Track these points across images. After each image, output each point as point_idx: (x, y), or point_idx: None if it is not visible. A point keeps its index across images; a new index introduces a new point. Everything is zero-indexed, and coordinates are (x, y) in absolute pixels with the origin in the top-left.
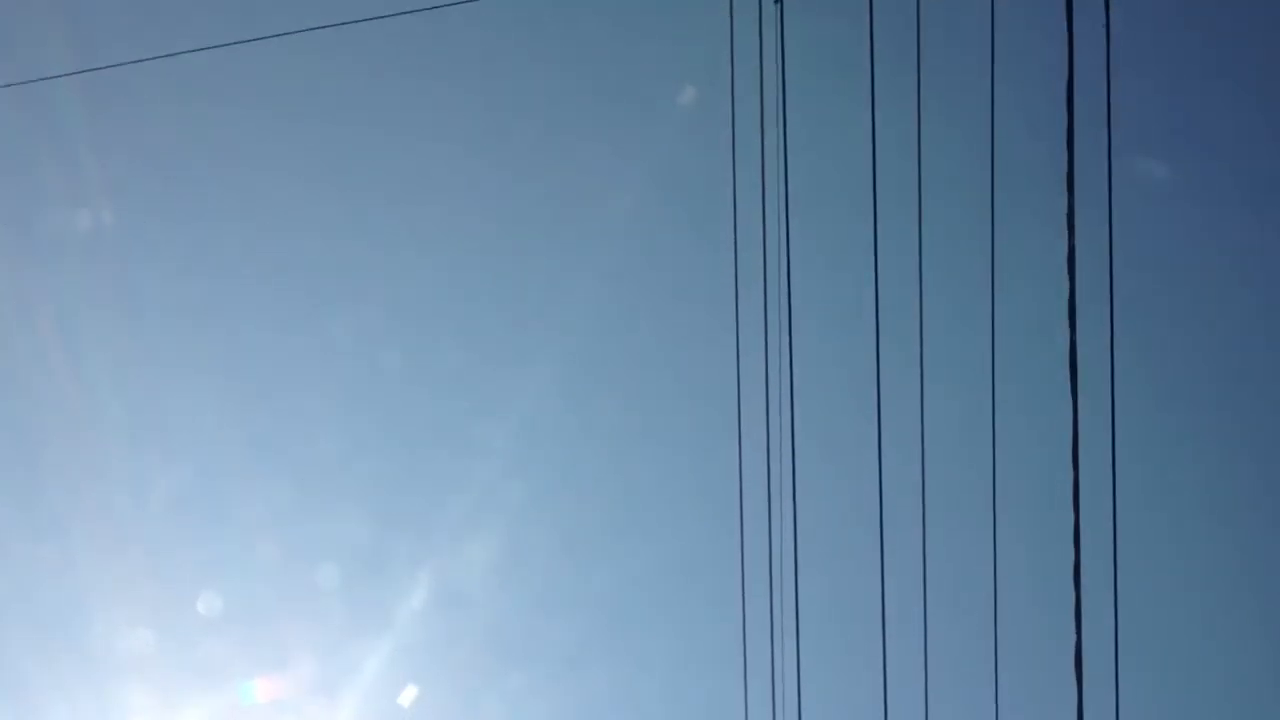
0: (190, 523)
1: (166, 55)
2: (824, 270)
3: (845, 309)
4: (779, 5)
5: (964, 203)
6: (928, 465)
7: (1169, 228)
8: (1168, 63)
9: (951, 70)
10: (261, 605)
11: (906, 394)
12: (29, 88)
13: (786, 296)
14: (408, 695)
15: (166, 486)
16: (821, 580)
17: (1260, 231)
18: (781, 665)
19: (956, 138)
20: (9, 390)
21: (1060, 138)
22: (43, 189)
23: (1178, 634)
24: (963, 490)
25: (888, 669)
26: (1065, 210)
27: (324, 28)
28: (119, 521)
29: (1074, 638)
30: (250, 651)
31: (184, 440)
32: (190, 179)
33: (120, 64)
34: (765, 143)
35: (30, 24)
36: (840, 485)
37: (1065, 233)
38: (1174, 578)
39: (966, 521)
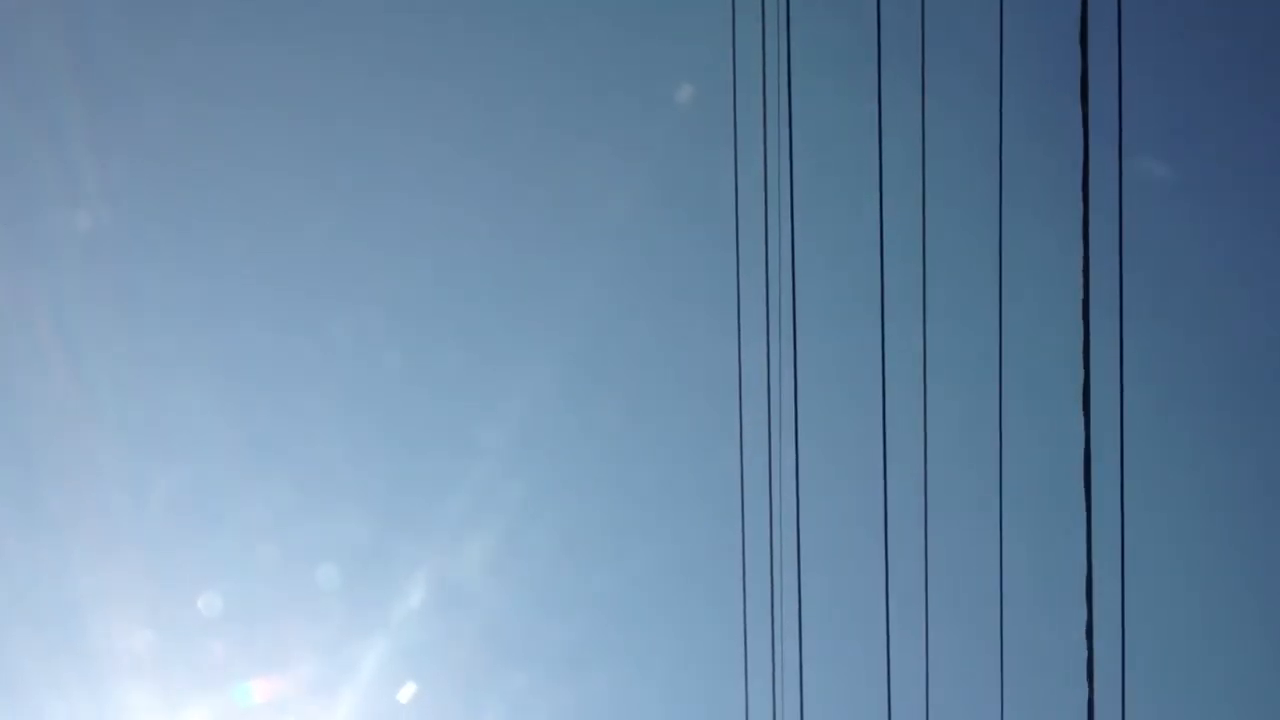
0: (190, 523)
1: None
2: (827, 270)
3: (849, 309)
4: None
5: (970, 201)
6: (933, 465)
7: (1179, 229)
8: (1180, 63)
9: (958, 65)
10: (261, 605)
11: (910, 394)
12: (29, 87)
13: (791, 297)
14: (406, 692)
15: (166, 486)
16: (823, 580)
17: (1272, 233)
18: (781, 665)
19: (963, 134)
20: (9, 390)
21: (1066, 134)
22: (42, 189)
23: (1187, 637)
24: (968, 490)
25: (891, 670)
26: (1072, 206)
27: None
28: (119, 521)
29: (1084, 641)
30: (250, 651)
31: (184, 440)
32: (190, 179)
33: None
34: (767, 141)
35: (30, 24)
36: (843, 485)
37: (1073, 230)
38: (1184, 579)
39: (972, 522)
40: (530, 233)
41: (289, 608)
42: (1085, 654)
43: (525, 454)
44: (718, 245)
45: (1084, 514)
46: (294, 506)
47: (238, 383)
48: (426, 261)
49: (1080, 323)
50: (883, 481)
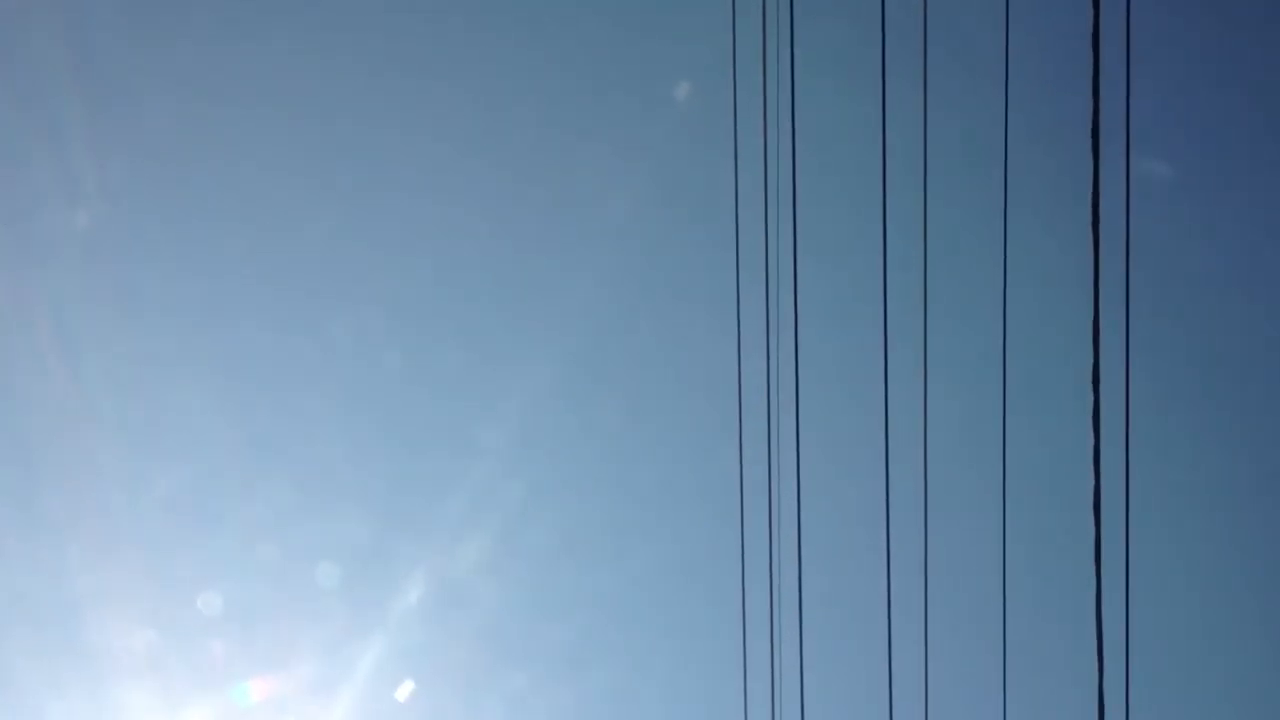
0: (190, 523)
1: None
2: (827, 270)
3: (849, 309)
4: None
5: (974, 200)
6: (934, 465)
7: (1182, 229)
8: (1186, 63)
9: (962, 64)
10: (261, 605)
11: (911, 394)
12: (29, 87)
13: (793, 297)
14: (405, 690)
15: (166, 486)
16: (823, 580)
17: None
18: (780, 665)
19: (967, 133)
20: (9, 390)
21: (1069, 134)
22: (42, 189)
23: (1188, 639)
24: (971, 491)
25: (892, 671)
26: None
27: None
28: (119, 521)
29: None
30: (250, 651)
31: (184, 440)
32: (190, 179)
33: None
34: (768, 140)
35: (30, 24)
36: (843, 485)
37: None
38: (1190, 581)
39: (973, 523)
40: (530, 233)
41: (289, 608)
42: (1087, 653)
43: (525, 454)
44: (718, 245)
45: (1091, 516)
46: (294, 506)
47: (238, 383)
48: (426, 261)
49: (1084, 322)
50: (884, 482)
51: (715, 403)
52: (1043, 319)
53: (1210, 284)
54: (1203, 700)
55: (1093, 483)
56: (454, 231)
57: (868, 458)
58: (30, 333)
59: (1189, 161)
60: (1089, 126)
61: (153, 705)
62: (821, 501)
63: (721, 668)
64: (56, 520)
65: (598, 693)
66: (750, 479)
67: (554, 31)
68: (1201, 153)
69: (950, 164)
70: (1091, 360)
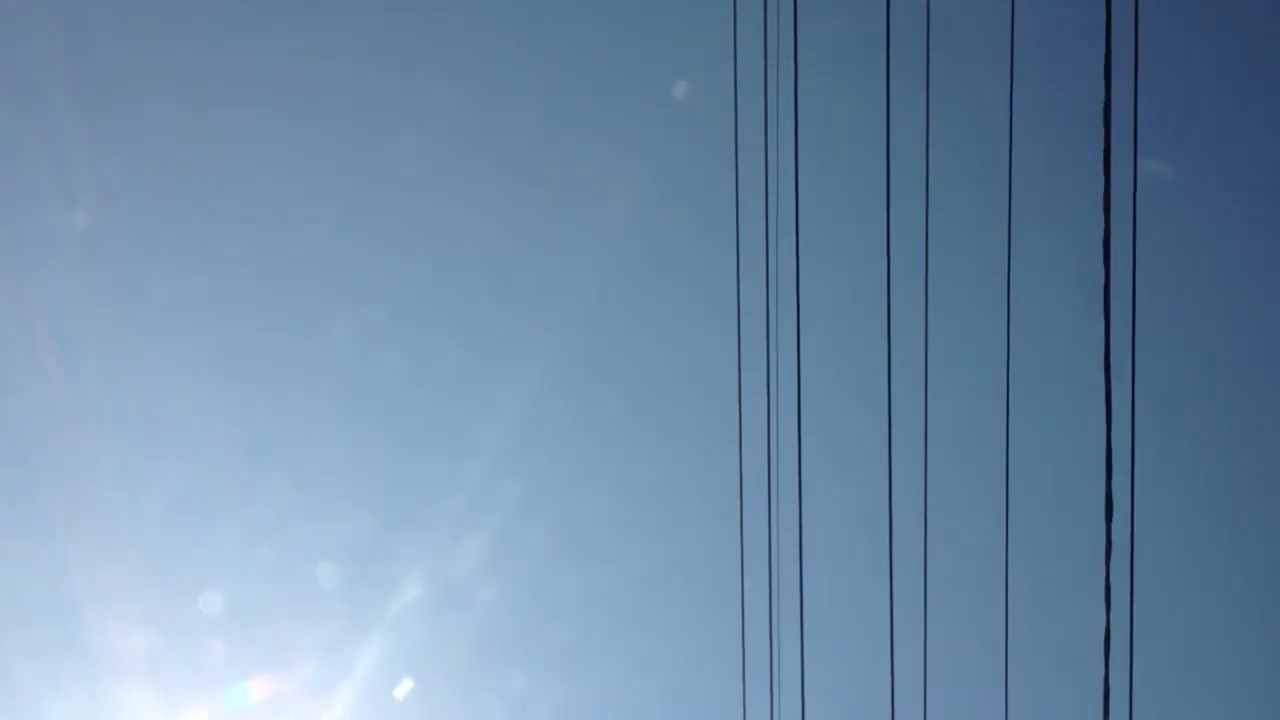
0: (190, 523)
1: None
2: (827, 270)
3: (854, 308)
4: None
5: (977, 200)
6: (933, 465)
7: (1185, 229)
8: (1192, 64)
9: (966, 63)
10: (261, 605)
11: (913, 394)
12: (28, 87)
13: (794, 296)
14: (404, 689)
15: (166, 486)
16: (822, 580)
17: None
18: (779, 665)
19: (971, 132)
20: (7, 390)
21: (1075, 133)
22: (42, 189)
23: (1188, 639)
24: (972, 491)
25: (894, 670)
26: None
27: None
28: (119, 522)
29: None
30: (250, 651)
31: (184, 440)
32: (190, 179)
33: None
34: (769, 140)
35: (30, 24)
36: (844, 485)
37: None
38: (1194, 582)
39: (974, 523)
40: (530, 233)
41: (289, 608)
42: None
43: (524, 454)
44: (718, 245)
45: (1102, 518)
46: (294, 506)
47: (238, 383)
48: (426, 261)
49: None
50: (885, 482)
51: (715, 403)
52: (1044, 319)
53: (1214, 285)
54: (1204, 701)
55: (1104, 484)
56: (454, 231)
57: (869, 458)
58: (30, 333)
59: (1194, 163)
60: (1096, 127)
61: (153, 705)
62: (822, 502)
63: (721, 668)
64: (56, 520)
65: (598, 693)
66: (750, 479)
67: (554, 31)
68: (1204, 153)
69: (954, 163)
70: (1100, 362)
